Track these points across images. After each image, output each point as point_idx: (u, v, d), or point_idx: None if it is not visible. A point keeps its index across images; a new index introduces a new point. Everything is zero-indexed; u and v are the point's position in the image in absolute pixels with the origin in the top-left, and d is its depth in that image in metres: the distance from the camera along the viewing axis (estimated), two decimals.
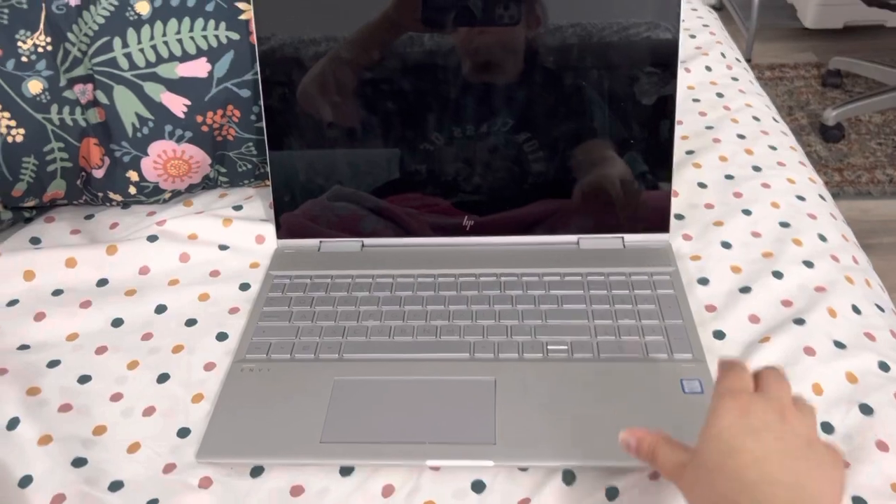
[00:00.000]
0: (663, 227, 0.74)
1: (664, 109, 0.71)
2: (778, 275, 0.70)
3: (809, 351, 0.63)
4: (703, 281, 0.71)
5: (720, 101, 0.96)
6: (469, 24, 0.70)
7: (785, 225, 0.76)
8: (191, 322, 0.70)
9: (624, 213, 0.74)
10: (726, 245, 0.74)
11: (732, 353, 0.64)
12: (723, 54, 1.05)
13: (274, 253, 0.76)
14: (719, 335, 0.65)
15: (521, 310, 0.67)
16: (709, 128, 0.91)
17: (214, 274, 0.75)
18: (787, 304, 0.68)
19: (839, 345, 0.63)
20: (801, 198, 0.80)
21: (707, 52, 1.05)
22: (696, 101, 0.95)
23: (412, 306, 0.68)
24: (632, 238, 0.74)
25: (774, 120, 0.94)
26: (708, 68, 1.01)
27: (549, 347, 0.63)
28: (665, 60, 0.70)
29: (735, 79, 1.00)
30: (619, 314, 0.66)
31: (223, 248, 0.78)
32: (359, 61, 0.72)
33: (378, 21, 0.71)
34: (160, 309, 0.72)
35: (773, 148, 0.88)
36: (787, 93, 2.22)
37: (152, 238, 0.78)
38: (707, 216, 0.78)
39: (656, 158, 0.73)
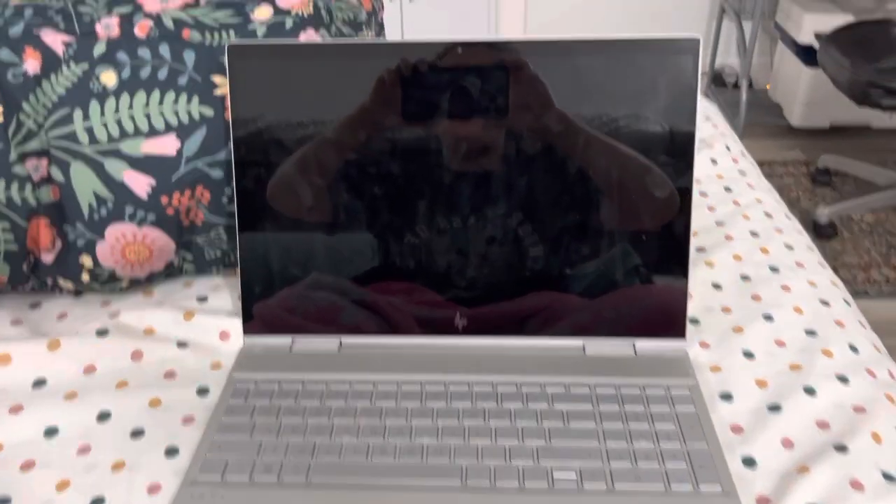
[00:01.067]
0: (679, 332, 0.66)
1: (679, 202, 0.65)
2: (810, 391, 0.62)
3: (857, 485, 0.54)
4: (726, 396, 0.63)
5: (729, 195, 0.90)
6: (454, 117, 0.64)
7: (811, 333, 0.69)
8: (137, 433, 0.60)
9: (635, 315, 0.66)
10: (749, 355, 0.66)
11: (767, 486, 0.55)
12: (727, 147, 1.00)
13: (239, 352, 0.67)
14: (749, 462, 0.57)
15: (522, 427, 0.58)
16: (719, 223, 0.84)
17: (169, 376, 0.66)
18: (823, 425, 0.59)
19: (889, 477, 0.55)
20: (825, 303, 0.73)
21: (712, 145, 1.00)
22: (703, 194, 0.89)
23: (394, 420, 0.59)
24: (644, 344, 0.66)
25: (787, 217, 0.88)
26: (713, 161, 0.96)
27: (554, 475, 0.54)
28: (681, 150, 0.64)
29: (742, 172, 0.95)
30: (635, 435, 0.57)
31: (182, 345, 0.69)
32: (339, 153, 0.66)
33: (357, 114, 0.65)
34: (103, 416, 0.62)
35: (790, 247, 0.81)
36: (777, 189, 2.19)
37: (102, 332, 0.69)
38: (725, 321, 0.70)
39: (670, 255, 0.66)
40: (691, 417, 0.59)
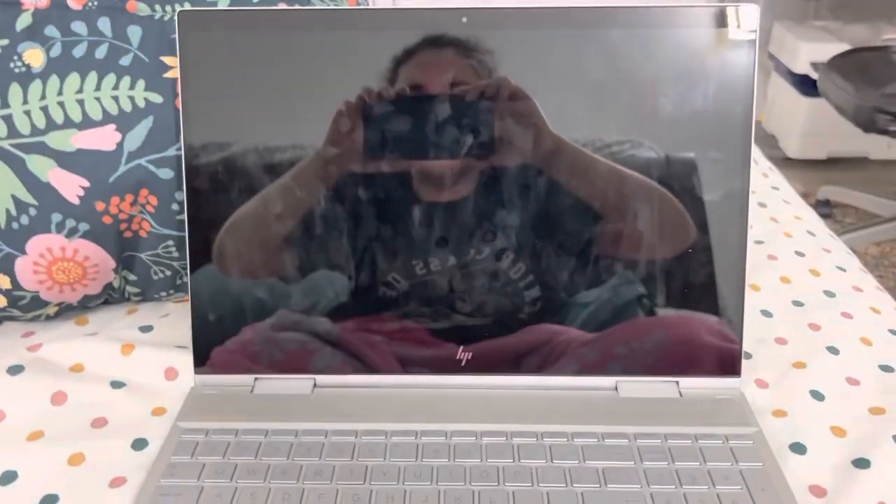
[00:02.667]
0: (732, 369, 0.54)
1: (733, 206, 0.53)
2: None
3: None
4: (798, 448, 0.50)
5: (764, 211, 0.78)
6: (424, 157, 0.52)
7: (887, 369, 0.57)
8: (49, 500, 0.46)
9: (678, 348, 0.54)
10: (817, 396, 0.54)
11: None
12: (755, 160, 0.89)
13: (188, 394, 0.54)
14: None
15: (546, 491, 0.45)
16: (759, 242, 0.73)
17: (98, 423, 0.52)
18: None
19: None
20: (895, 333, 0.61)
21: None
22: None
23: (383, 483, 0.46)
24: (690, 383, 0.54)
25: (832, 236, 0.77)
26: None
27: None
28: (735, 143, 0.52)
29: (776, 188, 0.84)
30: (692, 500, 0.45)
31: (117, 385, 0.55)
32: (308, 191, 0.54)
33: (315, 158, 0.53)
34: (7, 478, 0.48)
35: (842, 269, 0.70)
36: None
37: (15, 369, 0.55)
38: (782, 355, 0.58)
39: (720, 274, 0.54)
40: (759, 476, 0.46)
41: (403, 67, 0.52)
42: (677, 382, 0.54)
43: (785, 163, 2.42)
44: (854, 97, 1.76)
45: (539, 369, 0.54)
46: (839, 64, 1.88)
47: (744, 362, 0.54)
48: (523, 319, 0.55)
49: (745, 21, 0.51)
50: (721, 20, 0.51)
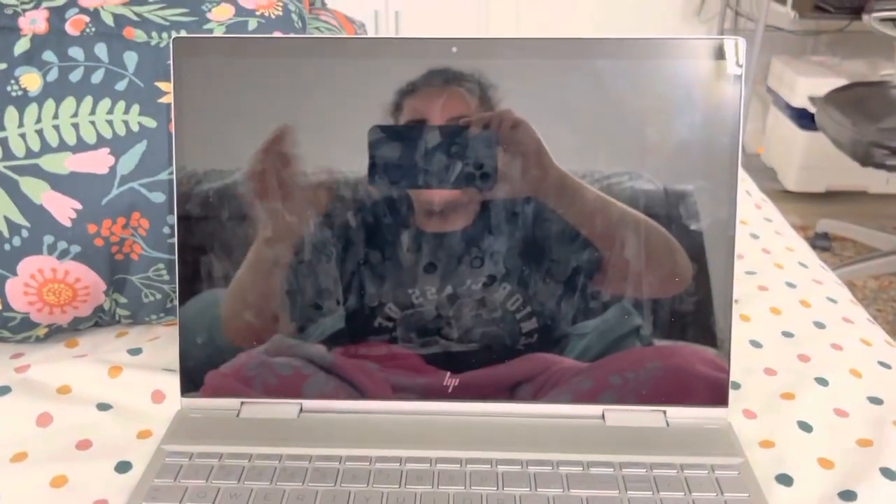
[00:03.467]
0: (719, 398, 0.53)
1: (720, 236, 0.53)
2: (889, 474, 0.50)
3: None
4: (785, 479, 0.50)
5: (756, 242, 0.79)
6: (425, 188, 0.53)
7: (876, 401, 0.57)
8: None
9: (665, 377, 0.54)
10: (805, 427, 0.54)
11: None
12: (748, 192, 0.90)
13: (174, 417, 0.54)
14: None
15: None
16: (750, 273, 0.73)
17: (83, 446, 0.52)
18: None
19: None
20: (884, 365, 0.61)
21: None
22: None
23: None
24: (678, 413, 0.53)
25: (823, 268, 0.77)
26: None
27: None
28: (720, 173, 0.53)
29: (768, 219, 0.84)
30: None
31: (103, 407, 0.55)
32: (300, 223, 0.54)
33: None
34: None
35: (833, 300, 0.70)
36: None
37: (2, 390, 0.55)
38: (770, 386, 0.58)
39: (708, 303, 0.54)
40: None
41: (406, 99, 0.53)
42: (664, 412, 0.54)
43: (783, 196, 2.43)
44: (851, 131, 1.77)
45: (533, 398, 0.54)
46: (837, 98, 1.90)
47: (732, 392, 0.54)
48: (518, 349, 0.55)
49: (733, 54, 0.52)
50: (710, 53, 0.52)
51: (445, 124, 0.52)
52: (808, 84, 2.25)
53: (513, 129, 0.52)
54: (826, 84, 2.09)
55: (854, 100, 1.90)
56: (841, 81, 2.12)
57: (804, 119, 2.25)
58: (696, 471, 0.49)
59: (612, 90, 0.53)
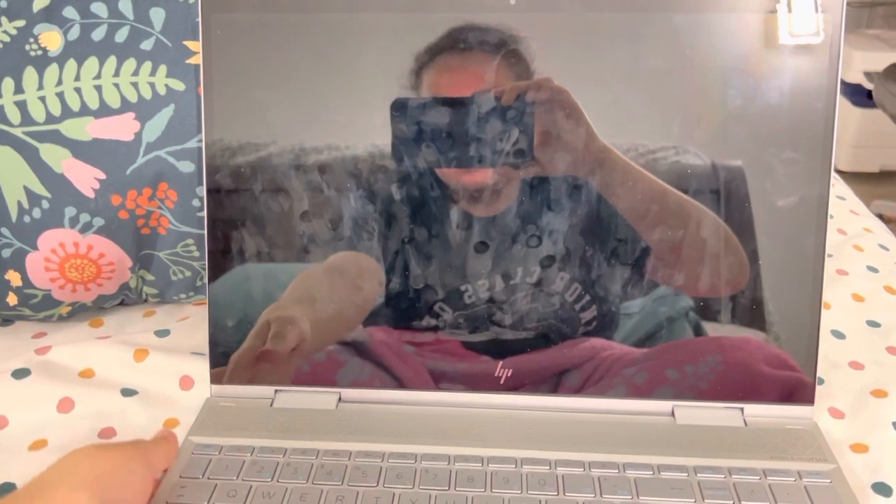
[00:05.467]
0: (804, 395, 0.48)
1: (808, 215, 0.47)
2: None
3: None
4: (883, 489, 0.44)
5: (831, 222, 0.72)
6: (461, 167, 0.48)
7: None
8: None
9: (741, 371, 0.48)
10: None
11: None
12: None
13: (203, 406, 0.50)
14: None
15: None
16: (827, 256, 0.66)
17: (106, 434, 0.48)
18: None
19: None
20: None
21: None
22: None
23: None
24: (756, 410, 0.48)
25: None
26: None
27: None
28: (811, 135, 0.47)
29: (841, 197, 0.78)
30: None
31: (128, 393, 0.51)
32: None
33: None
34: (5, 490, 0.44)
35: None
36: None
37: (21, 373, 0.52)
38: (858, 381, 0.52)
39: (793, 288, 0.48)
40: None
41: (430, 67, 0.47)
42: (742, 409, 0.48)
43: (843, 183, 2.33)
44: None
45: (581, 387, 0.49)
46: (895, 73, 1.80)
47: (816, 388, 0.48)
48: (565, 333, 0.50)
49: (827, 4, 0.45)
50: (800, 3, 0.45)
51: (478, 95, 0.47)
52: (863, 58, 2.14)
53: (553, 100, 0.47)
54: (882, 59, 1.98)
55: None
56: None
57: (858, 95, 2.15)
58: (781, 477, 0.43)
59: (691, 47, 0.47)
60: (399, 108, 0.48)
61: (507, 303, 0.49)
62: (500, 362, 0.50)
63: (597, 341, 0.50)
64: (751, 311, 0.49)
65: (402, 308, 0.50)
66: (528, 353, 0.50)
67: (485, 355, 0.50)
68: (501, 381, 0.50)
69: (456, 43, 0.47)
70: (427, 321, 0.50)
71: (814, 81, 0.46)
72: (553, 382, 0.50)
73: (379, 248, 0.50)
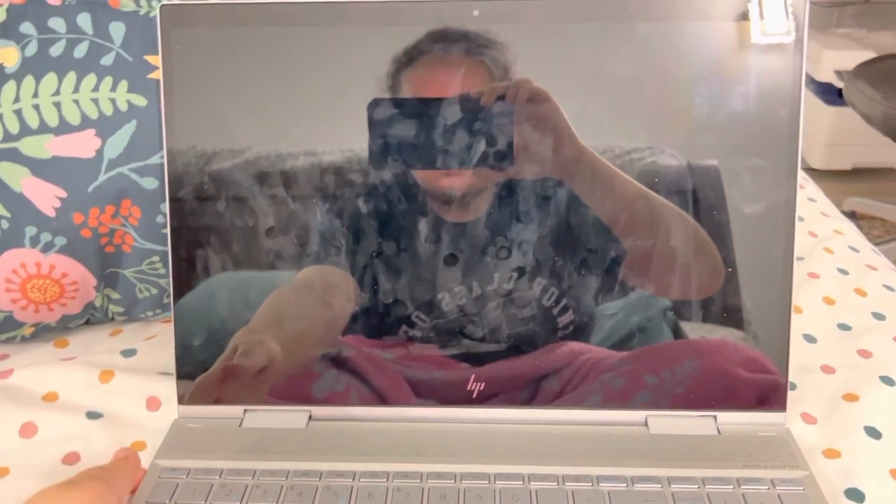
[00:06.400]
0: (776, 401, 0.48)
1: (777, 219, 0.47)
2: None
3: None
4: (855, 495, 0.44)
5: (802, 225, 0.73)
6: (437, 170, 0.47)
7: None
8: None
9: (713, 379, 0.48)
10: (873, 433, 0.48)
11: None
12: None
13: (171, 428, 0.49)
14: None
15: None
16: (798, 259, 0.66)
17: (71, 460, 0.47)
18: None
19: None
20: None
21: None
22: None
23: None
24: (729, 418, 0.48)
25: (875, 252, 0.71)
26: None
27: None
28: (778, 145, 0.47)
29: (812, 200, 0.78)
30: None
31: (94, 416, 0.50)
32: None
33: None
34: None
35: (890, 288, 0.64)
36: None
37: None
38: (830, 386, 0.52)
39: (763, 293, 0.48)
40: None
41: (408, 70, 0.47)
42: (715, 417, 0.48)
43: (809, 174, 2.35)
44: (883, 105, 1.69)
45: (560, 393, 0.49)
46: (867, 72, 1.82)
47: (788, 394, 0.48)
48: (542, 338, 0.49)
49: (792, 10, 0.45)
50: (763, 10, 0.45)
51: (457, 97, 0.47)
52: (833, 57, 2.16)
53: (532, 102, 0.46)
54: (852, 57, 2.00)
55: (885, 73, 1.82)
56: (868, 54, 2.04)
57: (829, 94, 2.17)
58: (754, 486, 0.43)
59: (655, 55, 0.47)
60: (376, 108, 0.47)
61: (483, 311, 0.49)
62: (473, 375, 0.49)
63: (575, 345, 0.50)
64: (728, 311, 0.49)
65: (374, 323, 0.49)
66: (503, 361, 0.50)
67: (460, 367, 0.50)
68: (474, 395, 0.49)
69: (435, 46, 0.47)
70: (400, 335, 0.50)
71: (778, 88, 0.46)
72: (532, 390, 0.50)
73: (347, 262, 0.49)
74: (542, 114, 0.47)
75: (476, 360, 0.50)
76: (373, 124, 0.47)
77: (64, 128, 0.51)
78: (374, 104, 0.47)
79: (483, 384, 0.49)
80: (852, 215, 2.08)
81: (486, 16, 0.46)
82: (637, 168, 0.47)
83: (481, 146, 0.47)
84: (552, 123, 0.47)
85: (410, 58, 0.47)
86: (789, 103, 0.46)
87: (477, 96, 0.46)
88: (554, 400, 0.49)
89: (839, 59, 2.14)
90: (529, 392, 0.50)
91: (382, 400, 0.49)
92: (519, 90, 0.46)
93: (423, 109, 0.47)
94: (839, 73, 2.10)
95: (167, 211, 0.49)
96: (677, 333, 0.49)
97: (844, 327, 0.58)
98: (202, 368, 0.49)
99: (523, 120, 0.46)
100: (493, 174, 0.47)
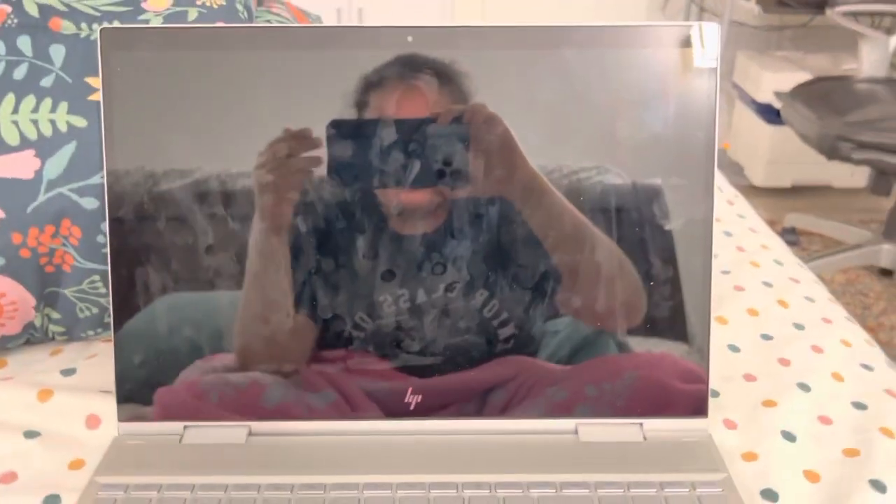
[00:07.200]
0: (699, 408, 0.50)
1: (696, 234, 0.50)
2: (879, 486, 0.47)
3: None
4: (770, 495, 0.47)
5: (730, 240, 0.76)
6: (392, 185, 0.49)
7: (860, 406, 0.54)
8: None
9: (640, 387, 0.50)
10: (789, 437, 0.51)
11: None
12: (720, 188, 0.87)
13: (110, 445, 0.49)
14: None
15: None
16: (725, 272, 0.70)
17: (7, 479, 0.47)
18: None
19: None
20: (867, 367, 0.59)
21: None
22: None
23: None
24: (655, 425, 0.50)
25: (800, 265, 0.74)
26: None
27: None
28: (696, 166, 0.50)
29: (741, 216, 0.82)
30: None
31: (31, 435, 0.50)
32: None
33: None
34: None
35: (811, 299, 0.67)
36: None
37: None
38: (751, 393, 0.55)
39: (682, 306, 0.51)
40: None
41: (369, 93, 0.48)
42: (641, 424, 0.50)
43: (751, 191, 2.42)
44: (818, 125, 1.76)
45: (506, 406, 0.51)
46: (802, 93, 1.90)
47: (711, 401, 0.51)
48: (489, 354, 0.51)
49: (707, 40, 0.48)
50: (682, 40, 0.48)
51: (412, 118, 0.48)
52: (773, 79, 2.25)
53: (485, 125, 0.48)
54: (791, 79, 2.08)
55: (819, 94, 1.90)
56: (805, 76, 2.12)
57: (770, 114, 2.24)
58: (676, 489, 0.45)
59: (580, 82, 0.49)
60: (335, 131, 0.48)
61: (422, 328, 0.50)
62: (410, 388, 0.51)
63: (522, 359, 0.51)
64: (652, 331, 0.51)
65: (326, 335, 0.51)
66: (447, 374, 0.51)
67: (398, 379, 0.51)
68: (412, 406, 0.50)
69: (395, 70, 0.48)
70: (339, 350, 0.51)
71: (695, 112, 0.49)
72: (479, 403, 0.51)
73: (286, 278, 0.50)
74: (494, 136, 0.48)
75: (416, 372, 0.51)
76: (331, 146, 0.48)
77: (3, 148, 0.51)
78: (335, 125, 0.48)
79: (421, 396, 0.50)
80: (793, 231, 2.15)
81: (419, 41, 0.48)
82: (584, 187, 0.50)
83: (437, 166, 0.49)
84: (504, 145, 0.49)
85: (373, 81, 0.48)
86: (705, 128, 0.49)
87: (434, 118, 0.48)
88: (500, 413, 0.51)
89: (778, 80, 2.22)
90: (475, 405, 0.51)
91: (322, 414, 0.50)
92: (474, 114, 0.48)
93: (379, 131, 0.48)
94: (778, 94, 2.19)
95: (107, 230, 0.50)
96: (623, 348, 0.51)
97: (767, 337, 0.61)
98: (143, 384, 0.49)
99: (478, 142, 0.48)
100: (448, 191, 0.49)
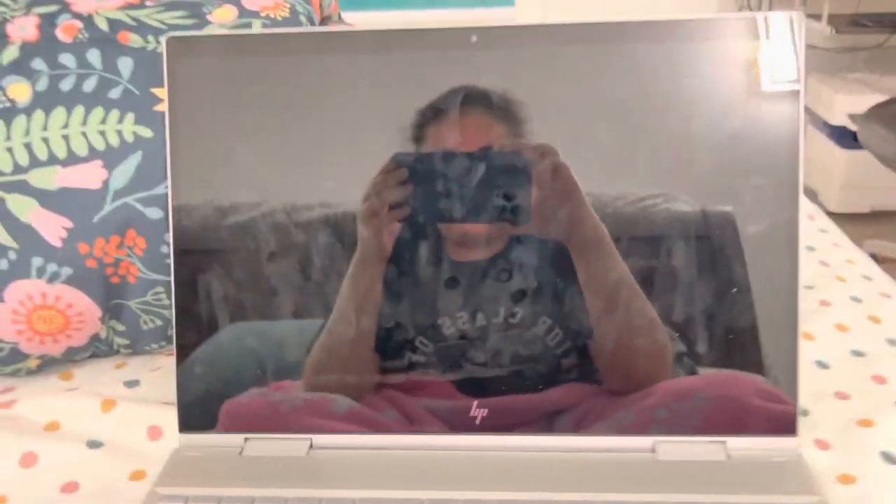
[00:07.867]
0: (787, 426, 0.46)
1: (780, 244, 0.47)
2: None
3: None
4: None
5: (813, 254, 0.72)
6: (456, 219, 0.48)
7: None
8: None
9: (722, 403, 0.47)
10: (890, 459, 0.47)
11: None
12: None
13: (171, 456, 0.48)
14: None
15: None
16: (808, 287, 0.66)
17: (70, 489, 0.47)
18: None
19: None
20: None
21: None
22: None
23: None
24: (739, 444, 0.46)
25: (891, 281, 0.70)
26: None
27: None
28: (780, 166, 0.47)
29: (823, 230, 0.77)
30: None
31: (94, 445, 0.50)
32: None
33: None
34: None
35: None
36: None
37: None
38: (844, 412, 0.51)
39: (771, 320, 0.47)
40: None
41: (430, 125, 0.48)
42: (724, 443, 0.47)
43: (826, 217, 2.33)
44: None
45: (574, 427, 0.48)
46: (880, 114, 1.82)
47: (800, 420, 0.47)
48: (554, 379, 0.49)
49: (790, 30, 0.46)
50: (756, 30, 0.46)
51: (480, 152, 0.47)
52: (846, 101, 2.17)
53: (551, 170, 0.47)
54: (865, 101, 2.00)
55: None
56: (880, 98, 2.04)
57: (844, 137, 2.16)
58: None
59: (653, 81, 0.47)
60: (400, 162, 0.47)
61: (490, 350, 0.48)
62: (476, 402, 0.48)
63: (587, 386, 0.49)
64: (733, 348, 0.48)
65: (391, 356, 0.49)
66: (511, 394, 0.49)
67: (463, 395, 0.49)
68: (477, 422, 0.48)
69: (457, 102, 0.47)
70: (403, 373, 0.49)
71: (779, 131, 0.46)
72: (544, 424, 0.49)
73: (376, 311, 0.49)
74: (561, 184, 0.47)
75: (481, 390, 0.49)
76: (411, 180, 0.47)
77: (71, 159, 0.52)
78: (398, 158, 0.47)
79: (487, 410, 0.48)
80: (872, 258, 2.05)
81: (483, 41, 0.47)
82: (650, 214, 0.47)
83: (500, 202, 0.47)
84: (570, 195, 0.47)
85: (433, 113, 0.48)
86: (788, 144, 0.46)
87: (500, 154, 0.47)
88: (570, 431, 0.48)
89: (852, 103, 2.15)
90: (542, 425, 0.49)
91: (385, 427, 0.48)
92: (542, 154, 0.47)
93: (444, 164, 0.47)
94: (852, 117, 2.11)
95: (171, 240, 0.50)
96: (693, 372, 0.48)
97: (858, 353, 0.57)
98: (204, 396, 0.49)
99: (542, 183, 0.47)
100: (509, 227, 0.47)
